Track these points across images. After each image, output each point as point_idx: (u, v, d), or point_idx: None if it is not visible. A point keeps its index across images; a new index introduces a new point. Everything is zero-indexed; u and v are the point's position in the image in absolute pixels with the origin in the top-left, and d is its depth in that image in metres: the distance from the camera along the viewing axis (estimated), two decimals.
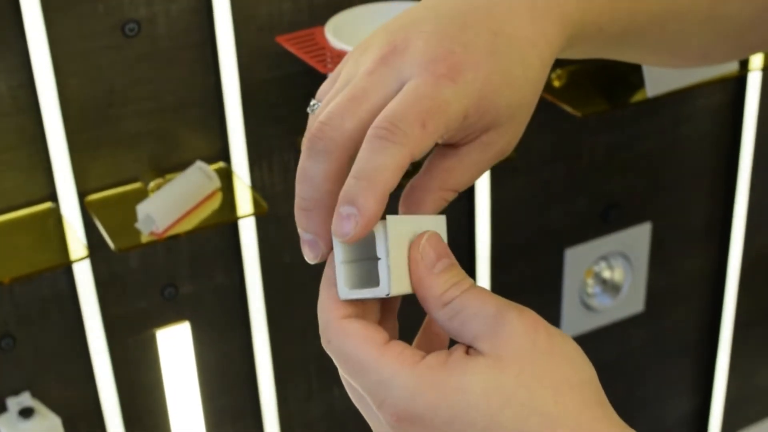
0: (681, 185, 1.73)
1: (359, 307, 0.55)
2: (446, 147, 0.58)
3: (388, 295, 0.52)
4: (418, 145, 0.53)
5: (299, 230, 0.55)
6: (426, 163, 0.58)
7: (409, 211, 0.56)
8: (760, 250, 1.87)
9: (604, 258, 1.72)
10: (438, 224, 0.56)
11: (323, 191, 0.53)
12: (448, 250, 0.55)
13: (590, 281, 1.73)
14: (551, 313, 1.68)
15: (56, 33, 1.18)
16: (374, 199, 0.51)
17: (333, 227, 0.52)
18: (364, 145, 0.53)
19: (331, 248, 0.54)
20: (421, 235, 0.54)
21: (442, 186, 0.57)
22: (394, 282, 0.52)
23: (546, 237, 1.64)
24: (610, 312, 1.75)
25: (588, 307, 1.73)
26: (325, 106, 0.56)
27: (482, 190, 1.50)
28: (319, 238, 0.54)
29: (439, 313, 0.53)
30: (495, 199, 1.53)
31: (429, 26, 0.56)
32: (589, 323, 1.74)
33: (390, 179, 0.52)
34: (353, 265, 0.54)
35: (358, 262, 0.54)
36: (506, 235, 1.56)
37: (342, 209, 0.51)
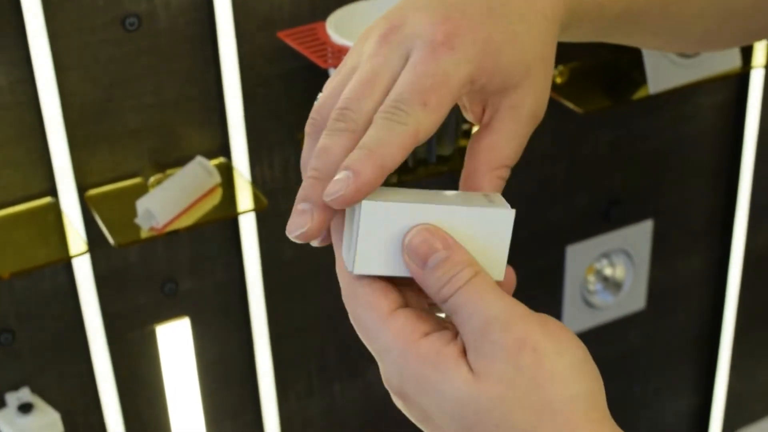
0: (683, 183, 1.73)
1: None
2: (481, 128, 0.59)
3: (351, 272, 0.53)
4: (422, 123, 0.54)
5: (297, 203, 0.55)
6: (468, 149, 0.58)
7: None
8: (762, 249, 1.87)
9: (606, 255, 1.71)
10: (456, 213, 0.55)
11: (339, 164, 0.53)
12: (441, 239, 0.53)
13: (592, 278, 1.73)
14: (552, 310, 1.67)
15: (56, 27, 1.18)
16: (371, 167, 0.52)
17: (326, 189, 0.52)
18: (370, 127, 0.54)
19: (321, 223, 0.54)
20: (409, 232, 0.54)
21: (490, 166, 0.58)
22: (359, 261, 0.53)
23: (547, 234, 1.63)
24: (612, 309, 1.75)
25: (589, 305, 1.73)
26: (330, 93, 0.57)
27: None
28: (315, 207, 0.54)
29: (442, 308, 0.53)
30: None
31: (423, 1, 0.57)
32: (591, 320, 1.74)
33: (391, 153, 0.53)
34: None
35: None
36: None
37: (339, 174, 0.52)
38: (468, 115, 0.61)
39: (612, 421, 0.52)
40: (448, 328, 0.53)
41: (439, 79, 0.55)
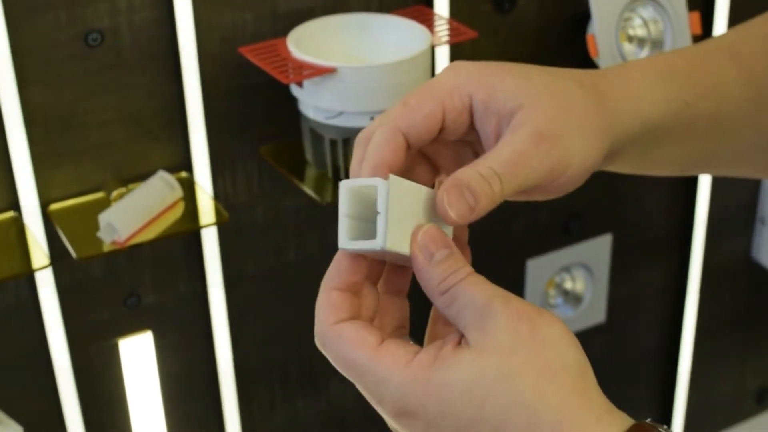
0: (641, 196, 1.75)
1: (354, 305, 0.58)
2: None
3: (382, 248, 0.56)
4: (402, 120, 0.60)
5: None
6: None
7: None
8: (721, 261, 1.89)
9: (566, 269, 1.73)
10: None
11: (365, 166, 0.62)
12: (447, 241, 0.58)
13: (552, 292, 1.74)
14: None
15: (19, 42, 1.19)
16: (369, 171, 0.59)
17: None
18: None
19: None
20: (419, 228, 0.58)
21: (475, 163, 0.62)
22: (389, 236, 0.56)
23: (508, 248, 1.65)
24: (572, 322, 1.77)
25: None
26: None
27: None
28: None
29: (438, 300, 0.57)
30: None
31: None
32: None
33: (381, 152, 0.59)
34: (358, 223, 0.59)
35: (364, 222, 0.59)
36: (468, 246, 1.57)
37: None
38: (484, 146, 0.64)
39: (599, 390, 0.55)
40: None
41: (425, 87, 0.61)
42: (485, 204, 0.58)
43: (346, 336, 0.57)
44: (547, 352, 0.54)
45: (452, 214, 0.58)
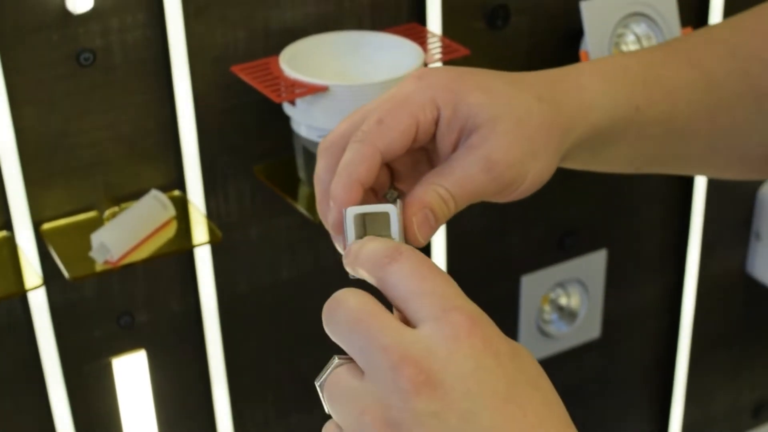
0: (636, 212, 1.75)
1: None
2: None
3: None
4: (379, 139, 0.60)
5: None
6: None
7: None
8: (716, 276, 1.89)
9: (561, 285, 1.73)
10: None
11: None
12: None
13: (547, 308, 1.74)
14: None
15: (10, 62, 1.18)
16: (342, 188, 0.59)
17: (321, 216, 0.63)
18: None
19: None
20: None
21: (426, 179, 0.64)
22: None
23: (503, 264, 1.65)
24: (567, 338, 1.77)
25: (545, 334, 1.74)
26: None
27: None
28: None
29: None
30: (451, 226, 1.55)
31: None
32: (546, 349, 1.75)
33: (356, 171, 0.59)
34: None
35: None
36: (463, 262, 1.57)
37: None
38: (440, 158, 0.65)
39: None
40: None
41: (397, 101, 0.62)
42: (441, 223, 0.61)
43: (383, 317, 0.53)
44: None
45: (421, 238, 0.60)
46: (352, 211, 0.59)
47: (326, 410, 0.55)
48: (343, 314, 0.53)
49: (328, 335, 0.54)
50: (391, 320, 0.52)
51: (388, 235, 0.58)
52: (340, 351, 0.55)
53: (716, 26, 0.77)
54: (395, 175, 0.66)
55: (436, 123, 0.63)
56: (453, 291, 0.53)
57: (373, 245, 0.56)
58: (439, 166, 0.63)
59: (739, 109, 0.74)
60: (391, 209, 0.58)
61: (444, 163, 0.63)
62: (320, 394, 0.55)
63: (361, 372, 0.52)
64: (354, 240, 0.58)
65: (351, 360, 0.54)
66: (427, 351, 0.50)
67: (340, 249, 0.61)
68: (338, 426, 0.53)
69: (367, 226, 0.59)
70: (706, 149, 0.75)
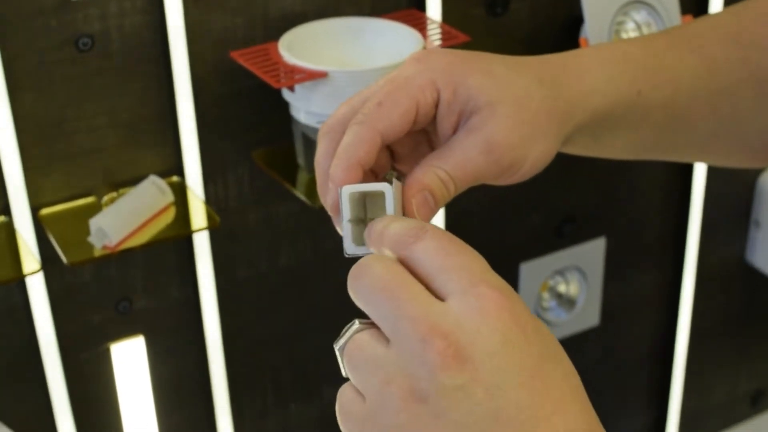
0: (635, 199, 1.75)
1: None
2: None
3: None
4: (378, 120, 0.60)
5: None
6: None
7: None
8: (715, 264, 1.89)
9: (560, 272, 1.73)
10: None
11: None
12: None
13: (546, 295, 1.74)
14: None
15: (9, 48, 1.18)
16: (341, 170, 0.59)
17: (321, 199, 0.62)
18: None
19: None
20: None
21: (426, 162, 0.64)
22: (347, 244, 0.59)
23: (501, 251, 1.65)
24: (566, 326, 1.77)
25: (544, 321, 1.73)
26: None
27: None
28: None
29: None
30: (450, 214, 1.55)
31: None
32: None
33: (356, 152, 0.59)
34: (361, 226, 0.60)
35: (359, 225, 0.60)
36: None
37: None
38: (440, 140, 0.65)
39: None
40: None
41: (397, 83, 0.61)
42: (441, 206, 0.61)
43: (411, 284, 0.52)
44: None
45: (419, 218, 0.60)
46: (347, 190, 0.58)
47: (344, 374, 0.54)
48: (370, 280, 0.52)
49: (352, 299, 0.54)
50: (420, 291, 0.51)
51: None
52: (350, 318, 0.54)
53: (718, 14, 0.78)
54: (396, 157, 0.66)
55: (436, 105, 0.63)
56: (481, 266, 0.53)
57: (397, 224, 0.55)
58: (439, 149, 0.63)
59: (740, 96, 0.74)
60: (387, 188, 0.57)
61: (444, 146, 0.63)
62: (338, 358, 0.54)
63: (386, 339, 0.51)
64: (349, 218, 0.58)
65: (373, 325, 0.53)
66: (456, 324, 0.49)
67: (340, 230, 0.61)
68: (357, 392, 0.53)
69: (368, 207, 0.59)
70: (707, 136, 0.75)
